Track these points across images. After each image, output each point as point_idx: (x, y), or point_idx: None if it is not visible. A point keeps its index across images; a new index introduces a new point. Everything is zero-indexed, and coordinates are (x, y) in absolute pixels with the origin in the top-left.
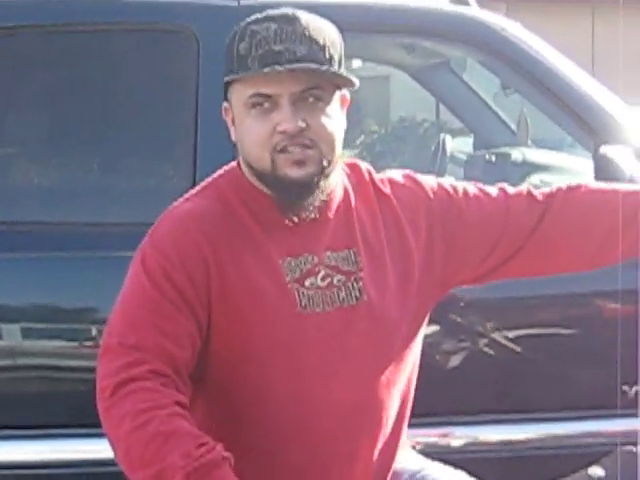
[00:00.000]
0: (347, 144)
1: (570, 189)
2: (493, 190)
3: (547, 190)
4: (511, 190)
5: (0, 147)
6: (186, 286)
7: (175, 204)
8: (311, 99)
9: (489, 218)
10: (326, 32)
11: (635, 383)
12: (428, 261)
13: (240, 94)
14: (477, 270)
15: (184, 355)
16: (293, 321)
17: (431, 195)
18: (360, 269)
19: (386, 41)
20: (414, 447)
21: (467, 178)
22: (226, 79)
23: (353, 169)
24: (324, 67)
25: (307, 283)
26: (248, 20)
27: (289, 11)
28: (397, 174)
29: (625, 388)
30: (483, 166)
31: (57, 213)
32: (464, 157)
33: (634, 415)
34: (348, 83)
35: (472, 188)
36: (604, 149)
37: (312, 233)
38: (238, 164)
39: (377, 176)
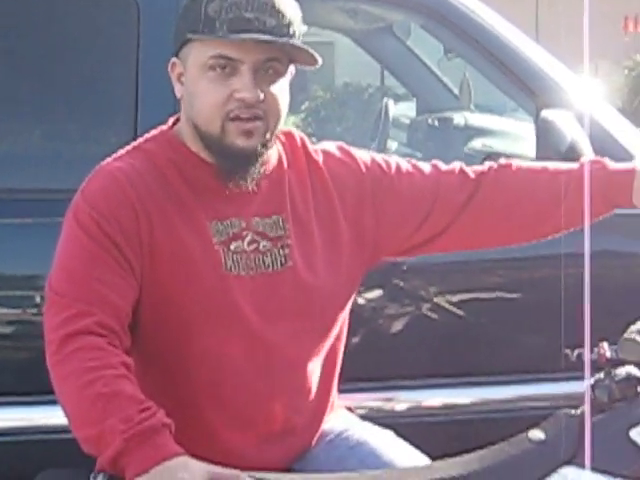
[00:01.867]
0: (292, 110)
1: (502, 167)
2: (426, 166)
3: (479, 168)
4: (444, 167)
5: None
6: (120, 238)
7: (104, 162)
8: (270, 71)
9: (420, 193)
10: (292, 6)
11: (577, 346)
12: (357, 231)
13: (199, 54)
14: (406, 243)
15: (125, 305)
16: (218, 281)
17: (363, 168)
18: (287, 236)
19: (330, 6)
20: (350, 409)
21: (410, 142)
22: (189, 36)
23: (288, 138)
24: (293, 41)
25: (233, 247)
26: None
27: None
28: (331, 146)
29: (567, 351)
30: (426, 130)
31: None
32: (408, 122)
33: (575, 378)
34: (311, 60)
35: (405, 163)
36: (546, 113)
37: (242, 198)
38: (172, 125)
39: (311, 147)
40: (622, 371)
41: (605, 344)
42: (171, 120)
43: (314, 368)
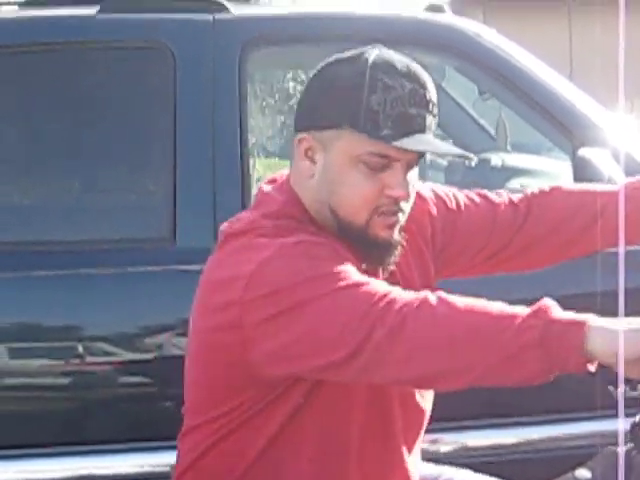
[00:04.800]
0: None
1: (545, 193)
2: (477, 198)
3: (525, 195)
4: (494, 197)
5: None
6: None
7: (257, 251)
8: (414, 166)
9: (478, 226)
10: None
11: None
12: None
13: (354, 145)
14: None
15: None
16: None
17: (433, 208)
18: None
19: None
20: None
21: (447, 183)
22: (346, 128)
23: None
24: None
25: None
26: (373, 67)
27: (416, 69)
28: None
29: (610, 389)
30: (463, 171)
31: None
32: (445, 163)
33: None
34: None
35: (460, 195)
36: (582, 151)
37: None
38: (291, 203)
39: None
40: None
41: None
42: (272, 190)
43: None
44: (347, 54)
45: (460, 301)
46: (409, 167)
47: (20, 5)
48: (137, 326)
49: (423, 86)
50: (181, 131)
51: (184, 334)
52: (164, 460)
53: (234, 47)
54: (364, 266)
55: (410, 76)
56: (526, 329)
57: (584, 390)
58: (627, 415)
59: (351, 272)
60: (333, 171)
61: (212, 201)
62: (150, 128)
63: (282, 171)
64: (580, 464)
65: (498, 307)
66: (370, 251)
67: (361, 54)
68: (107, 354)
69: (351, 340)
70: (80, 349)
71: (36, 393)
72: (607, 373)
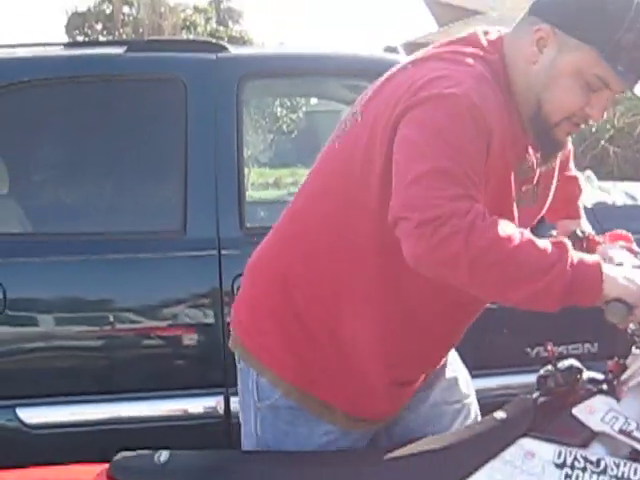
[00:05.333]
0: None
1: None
2: None
3: None
4: None
5: (38, 174)
6: (488, 138)
7: (464, 67)
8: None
9: None
10: None
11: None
12: None
13: (587, 62)
14: None
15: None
16: (511, 210)
17: None
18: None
19: (337, 83)
20: None
21: None
22: (589, 46)
23: None
24: None
25: (523, 188)
26: (637, 8)
27: None
28: None
29: (528, 350)
30: None
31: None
32: None
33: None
34: None
35: None
36: None
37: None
38: (499, 63)
39: None
40: (565, 363)
41: (551, 343)
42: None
43: None
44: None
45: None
46: (610, 99)
47: (65, 45)
48: (157, 299)
49: None
50: (191, 145)
51: (194, 306)
52: (175, 406)
53: (233, 79)
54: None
55: None
56: (560, 275)
57: (504, 352)
58: (536, 371)
59: (474, 160)
60: (559, 71)
61: (215, 201)
62: (166, 142)
63: (495, 29)
64: (498, 408)
65: (544, 245)
66: (546, 145)
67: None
68: (132, 321)
69: (432, 204)
70: (111, 318)
71: (81, 352)
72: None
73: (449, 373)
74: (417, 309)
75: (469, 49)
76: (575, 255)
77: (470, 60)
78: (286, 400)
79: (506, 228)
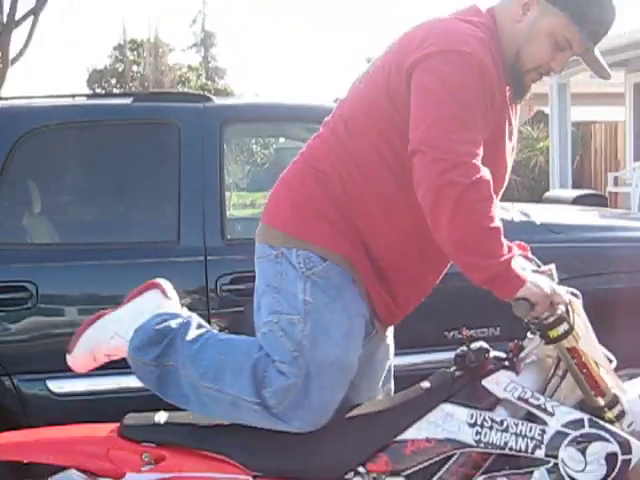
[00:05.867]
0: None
1: None
2: None
3: None
4: None
5: (58, 202)
6: (490, 94)
7: (466, 28)
8: None
9: None
10: None
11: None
12: None
13: (562, 27)
14: None
15: None
16: (504, 157)
17: None
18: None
19: (300, 126)
20: None
21: None
22: (569, 17)
23: None
24: None
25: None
26: None
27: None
28: None
29: (446, 333)
30: None
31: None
32: None
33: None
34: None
35: None
36: None
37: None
38: (491, 23)
39: None
40: (476, 344)
41: (465, 328)
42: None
43: None
44: None
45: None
46: (568, 58)
47: (87, 96)
48: None
49: (612, 25)
50: (183, 174)
51: (186, 298)
52: None
53: (216, 123)
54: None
55: (615, 16)
56: (498, 266)
57: (429, 335)
58: (453, 350)
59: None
60: (537, 30)
61: (202, 218)
62: (164, 172)
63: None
64: (424, 379)
65: (504, 241)
66: (518, 86)
67: None
68: None
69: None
70: None
71: None
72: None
73: (389, 340)
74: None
75: (471, 16)
76: (516, 262)
77: (473, 25)
78: (336, 266)
79: (493, 209)
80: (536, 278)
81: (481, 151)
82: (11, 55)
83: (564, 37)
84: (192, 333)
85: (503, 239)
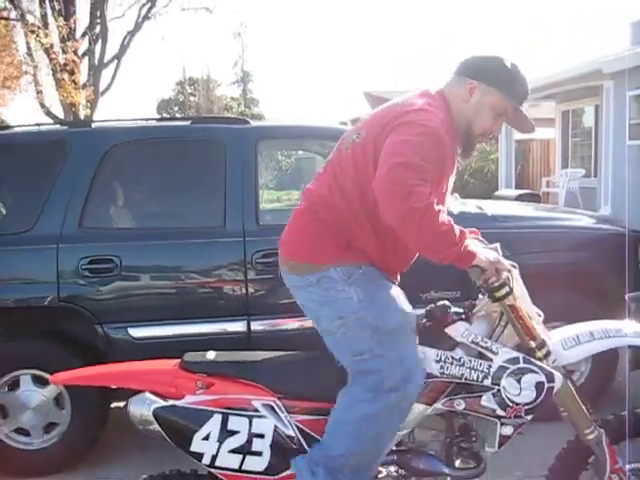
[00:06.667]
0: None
1: None
2: None
3: None
4: None
5: (135, 197)
6: (442, 156)
7: (427, 107)
8: None
9: None
10: None
11: (426, 292)
12: None
13: (501, 103)
14: None
15: None
16: (446, 190)
17: None
18: None
19: (312, 142)
20: None
21: None
22: (502, 93)
23: None
24: None
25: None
26: (520, 73)
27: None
28: None
29: (425, 294)
30: None
31: (159, 223)
32: None
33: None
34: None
35: None
36: None
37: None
38: (445, 106)
39: None
40: (441, 302)
41: (432, 291)
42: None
43: None
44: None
45: (444, 219)
46: (502, 123)
47: (156, 120)
48: (210, 265)
49: (528, 93)
50: (228, 177)
51: (230, 269)
52: (219, 327)
53: (252, 139)
54: (459, 151)
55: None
56: (456, 251)
57: (407, 296)
58: (425, 307)
59: (438, 166)
60: (482, 106)
61: (242, 210)
62: (214, 176)
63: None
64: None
65: (456, 230)
66: (468, 148)
67: (516, 67)
68: (194, 278)
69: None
70: (182, 276)
71: (164, 295)
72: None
73: None
74: (390, 242)
75: (431, 99)
76: (468, 242)
77: (433, 102)
78: (368, 267)
79: (444, 217)
80: (484, 251)
81: (429, 181)
82: (100, 88)
83: (502, 107)
84: None
85: (456, 229)
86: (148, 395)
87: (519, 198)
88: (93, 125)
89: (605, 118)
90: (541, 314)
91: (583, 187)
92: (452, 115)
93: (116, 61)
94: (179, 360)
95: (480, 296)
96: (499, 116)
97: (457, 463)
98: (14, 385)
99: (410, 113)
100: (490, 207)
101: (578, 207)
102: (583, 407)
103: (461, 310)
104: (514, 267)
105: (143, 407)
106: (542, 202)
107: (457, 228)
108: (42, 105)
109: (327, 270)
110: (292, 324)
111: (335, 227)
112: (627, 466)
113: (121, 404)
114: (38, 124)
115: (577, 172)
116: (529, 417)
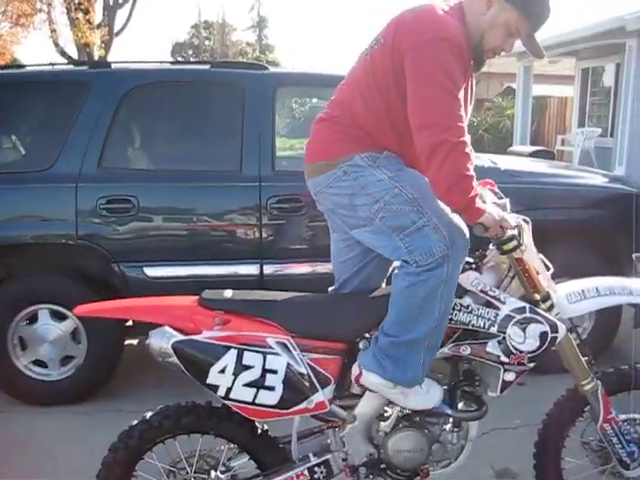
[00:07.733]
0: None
1: None
2: None
3: None
4: None
5: (153, 139)
6: (466, 68)
7: (443, 16)
8: None
9: None
10: None
11: None
12: None
13: (514, 20)
14: None
15: None
16: (467, 106)
17: None
18: None
19: (328, 90)
20: None
21: None
22: (519, 12)
23: None
24: None
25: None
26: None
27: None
28: None
29: None
30: None
31: (177, 165)
32: None
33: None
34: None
35: None
36: None
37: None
38: (460, 14)
39: None
40: None
41: None
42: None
43: None
44: None
45: (470, 166)
46: (514, 41)
47: (171, 63)
48: (226, 208)
49: (547, 19)
50: (246, 122)
51: (244, 213)
52: (233, 269)
53: (270, 86)
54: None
55: (550, 14)
56: (468, 200)
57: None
58: None
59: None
60: (496, 21)
61: (258, 155)
62: (232, 119)
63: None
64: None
65: (474, 183)
66: (478, 61)
67: None
68: (210, 221)
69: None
70: (198, 218)
71: (179, 237)
72: None
73: None
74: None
75: (447, 8)
76: (479, 198)
77: (449, 15)
78: (390, 153)
79: (469, 164)
80: (491, 209)
81: (464, 115)
82: (115, 29)
83: (515, 26)
84: None
85: (475, 183)
86: (167, 329)
87: (533, 155)
88: (113, 66)
89: (626, 77)
90: (550, 267)
91: (598, 147)
92: (467, 26)
93: (131, 1)
94: (197, 297)
95: (490, 247)
96: (510, 36)
97: (460, 405)
98: (33, 319)
99: (429, 27)
100: (504, 162)
101: (592, 166)
102: (582, 359)
103: (471, 260)
104: (526, 222)
105: (162, 340)
106: (556, 160)
107: (476, 183)
108: (56, 44)
109: (352, 158)
110: (303, 268)
111: (357, 132)
112: (622, 416)
113: (135, 341)
114: (52, 63)
115: (593, 131)
116: (531, 365)
